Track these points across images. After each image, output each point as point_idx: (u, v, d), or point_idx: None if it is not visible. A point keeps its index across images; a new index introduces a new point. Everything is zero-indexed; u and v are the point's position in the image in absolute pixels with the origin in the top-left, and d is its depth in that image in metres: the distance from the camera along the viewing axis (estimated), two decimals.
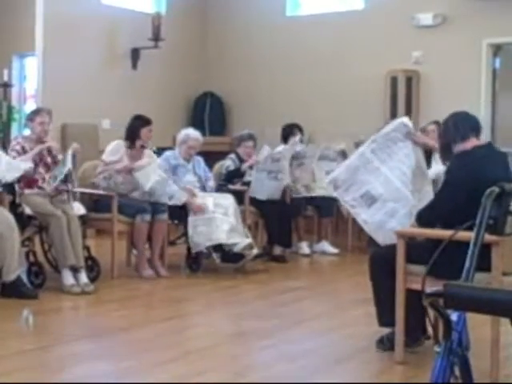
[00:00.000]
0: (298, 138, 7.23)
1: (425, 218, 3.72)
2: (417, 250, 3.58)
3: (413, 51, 8.34)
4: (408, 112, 8.27)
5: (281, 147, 7.41)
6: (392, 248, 3.68)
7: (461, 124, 3.77)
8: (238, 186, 6.78)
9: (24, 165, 5.19)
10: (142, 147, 6.06)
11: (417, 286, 3.35)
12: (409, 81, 8.30)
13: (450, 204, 3.58)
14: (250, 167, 6.92)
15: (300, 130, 7.68)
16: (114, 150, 6.01)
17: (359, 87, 8.59)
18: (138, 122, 6.13)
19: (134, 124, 6.11)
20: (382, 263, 3.78)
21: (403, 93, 8.31)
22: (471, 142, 3.73)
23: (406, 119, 4.17)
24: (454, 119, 3.82)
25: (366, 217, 3.99)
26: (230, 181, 6.89)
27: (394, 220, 3.89)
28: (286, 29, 9.20)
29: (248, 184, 6.83)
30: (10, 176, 5.08)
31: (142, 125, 6.08)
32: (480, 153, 3.70)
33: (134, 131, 6.07)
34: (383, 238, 3.90)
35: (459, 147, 3.73)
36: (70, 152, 5.39)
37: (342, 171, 4.10)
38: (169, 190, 5.96)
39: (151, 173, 5.87)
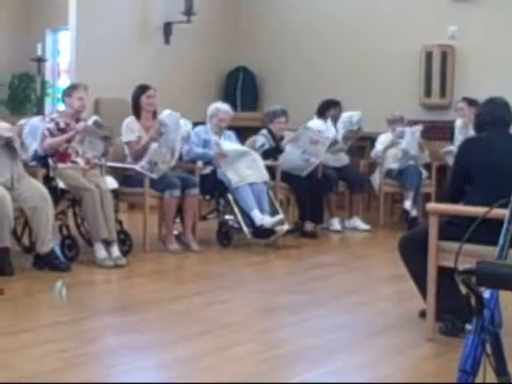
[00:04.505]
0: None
1: (445, 199, 3.96)
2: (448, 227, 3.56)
3: (448, 26, 8.21)
4: (443, 88, 8.17)
5: (314, 122, 7.34)
6: (420, 230, 3.69)
7: (483, 117, 3.90)
8: (270, 162, 6.74)
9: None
10: (154, 115, 5.96)
11: (449, 264, 3.32)
12: (444, 56, 8.19)
13: (453, 188, 3.86)
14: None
15: (338, 106, 7.63)
16: (129, 128, 5.90)
17: (393, 62, 8.49)
18: (137, 91, 6.03)
19: (134, 95, 6.04)
20: (412, 245, 3.77)
21: (438, 68, 8.20)
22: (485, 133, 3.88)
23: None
24: (482, 109, 3.98)
25: None
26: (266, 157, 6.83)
27: None
28: (319, 2, 9.11)
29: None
30: None
31: (140, 93, 5.99)
32: (485, 139, 3.83)
33: (135, 102, 6.01)
34: None
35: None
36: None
37: None
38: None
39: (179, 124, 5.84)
